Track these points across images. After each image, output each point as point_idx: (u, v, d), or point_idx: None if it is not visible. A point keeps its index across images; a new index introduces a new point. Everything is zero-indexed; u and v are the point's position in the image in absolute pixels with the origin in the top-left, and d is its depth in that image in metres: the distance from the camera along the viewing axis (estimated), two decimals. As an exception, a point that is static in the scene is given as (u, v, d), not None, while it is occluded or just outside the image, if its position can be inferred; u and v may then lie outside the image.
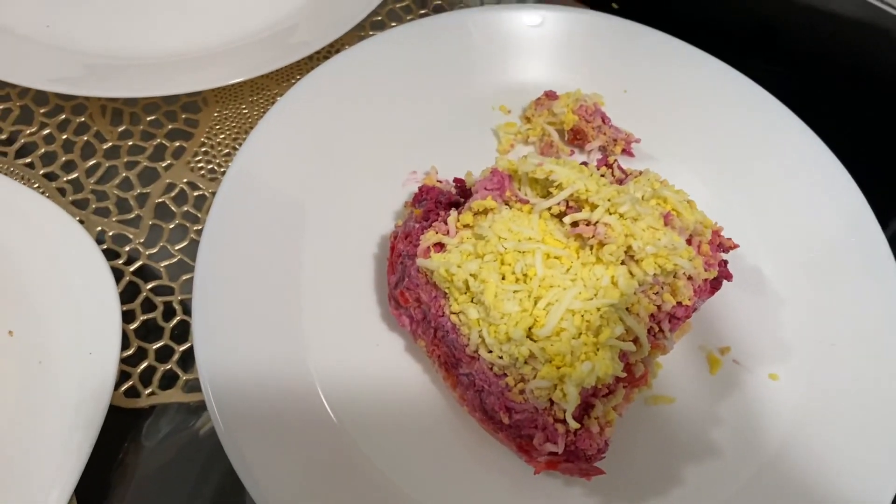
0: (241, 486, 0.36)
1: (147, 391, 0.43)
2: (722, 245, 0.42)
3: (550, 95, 0.51)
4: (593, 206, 0.38)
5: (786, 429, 0.41)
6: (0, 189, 0.44)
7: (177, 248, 0.48)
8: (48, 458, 0.37)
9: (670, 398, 0.42)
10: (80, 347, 0.40)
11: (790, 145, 0.51)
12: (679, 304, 0.39)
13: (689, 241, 0.40)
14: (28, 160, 0.51)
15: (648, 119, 0.52)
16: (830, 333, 0.44)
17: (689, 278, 0.39)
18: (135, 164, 0.52)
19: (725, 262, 0.41)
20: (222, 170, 0.51)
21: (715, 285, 0.41)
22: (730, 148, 0.51)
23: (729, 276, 0.41)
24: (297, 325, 0.42)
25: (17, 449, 0.38)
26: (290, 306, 0.42)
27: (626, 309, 0.36)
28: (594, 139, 0.50)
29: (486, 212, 0.39)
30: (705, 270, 0.39)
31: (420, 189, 0.43)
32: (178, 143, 0.53)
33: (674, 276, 0.38)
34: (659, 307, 0.38)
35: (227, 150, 0.52)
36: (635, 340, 0.37)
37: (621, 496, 0.39)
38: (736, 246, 0.43)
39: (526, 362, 0.35)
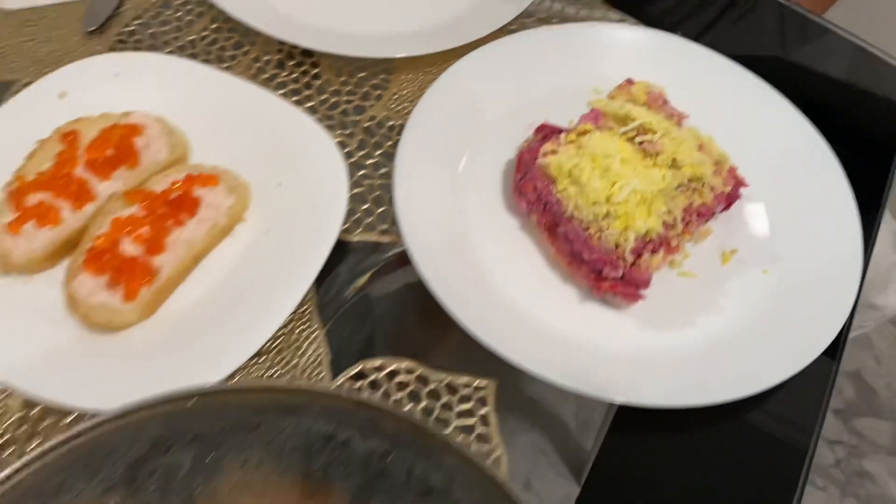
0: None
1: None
2: (736, 178, 0.62)
3: (630, 82, 0.72)
4: (654, 132, 0.58)
5: (767, 300, 0.61)
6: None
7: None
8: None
9: (694, 274, 0.62)
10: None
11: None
12: (703, 204, 0.59)
13: (715, 167, 0.60)
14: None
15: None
16: (798, 237, 0.64)
17: (712, 188, 0.59)
18: (337, 105, 0.74)
19: (739, 184, 0.62)
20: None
21: (730, 199, 0.62)
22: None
23: (744, 185, 0.61)
24: (458, 209, 0.63)
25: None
26: (454, 199, 0.64)
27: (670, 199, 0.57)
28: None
29: (585, 133, 0.60)
30: (723, 186, 0.60)
31: (540, 125, 0.64)
32: (377, 92, 0.74)
33: (702, 184, 0.59)
34: (690, 204, 0.59)
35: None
36: (674, 224, 0.58)
37: (649, 325, 0.59)
38: (747, 185, 0.63)
39: (603, 219, 0.56)
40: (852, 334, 0.63)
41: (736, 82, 0.72)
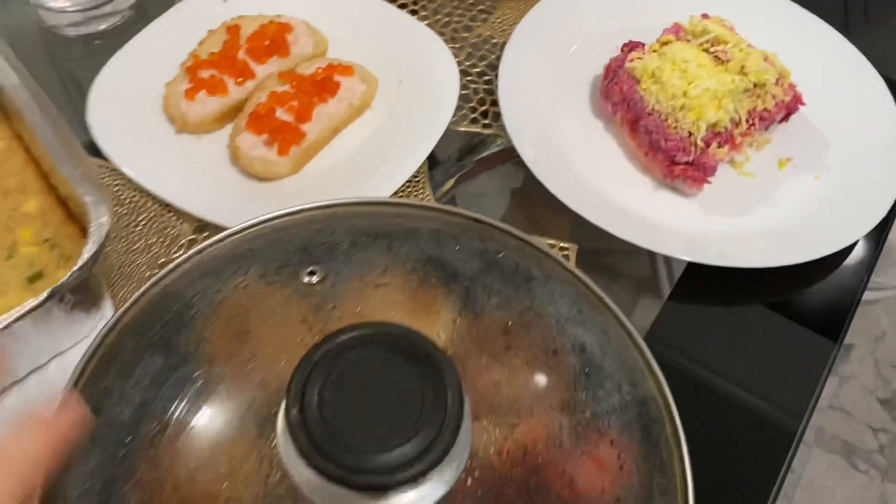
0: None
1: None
2: (794, 92, 0.71)
3: (705, 15, 0.81)
4: (726, 43, 0.68)
5: (818, 199, 0.69)
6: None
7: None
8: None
9: (753, 174, 0.71)
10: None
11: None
12: (765, 109, 0.68)
13: (777, 80, 0.69)
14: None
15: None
16: (847, 150, 0.72)
17: (773, 96, 0.68)
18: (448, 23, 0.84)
19: (797, 98, 0.70)
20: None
21: (788, 110, 0.70)
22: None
23: (801, 102, 0.70)
24: (552, 113, 0.73)
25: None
26: (549, 103, 0.74)
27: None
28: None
29: (666, 43, 0.70)
30: (783, 96, 0.69)
31: (627, 42, 0.74)
32: (484, 15, 0.84)
33: (764, 91, 0.68)
34: (754, 108, 0.68)
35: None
36: (738, 123, 0.67)
37: (712, 211, 0.68)
38: (804, 103, 0.72)
39: (680, 110, 0.65)
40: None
41: (799, 23, 0.80)
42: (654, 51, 0.69)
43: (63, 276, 0.46)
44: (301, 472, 0.38)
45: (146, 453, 0.43)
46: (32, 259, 0.52)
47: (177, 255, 0.63)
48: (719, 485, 0.54)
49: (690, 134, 0.65)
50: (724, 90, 0.65)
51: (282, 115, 0.66)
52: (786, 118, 0.71)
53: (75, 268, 0.46)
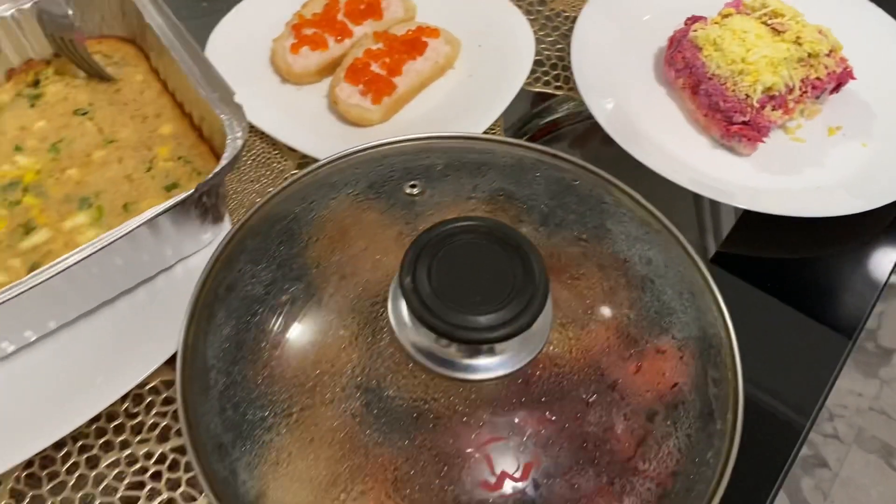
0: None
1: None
2: (846, 65, 0.76)
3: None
4: (783, 16, 0.73)
5: (865, 164, 0.74)
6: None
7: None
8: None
9: (803, 140, 0.76)
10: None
11: None
12: (818, 78, 0.73)
13: (829, 52, 0.74)
14: None
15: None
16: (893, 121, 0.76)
17: (825, 66, 0.73)
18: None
19: (847, 71, 0.75)
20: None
21: (840, 80, 0.75)
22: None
23: (852, 76, 0.75)
24: (619, 80, 0.79)
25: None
26: (617, 71, 0.80)
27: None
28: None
29: (727, 15, 0.75)
30: (835, 66, 0.74)
31: (690, 16, 0.80)
32: None
33: (817, 61, 0.73)
34: (807, 76, 0.73)
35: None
36: (792, 89, 0.72)
37: (764, 170, 0.73)
38: (855, 77, 0.77)
39: (738, 74, 0.71)
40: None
41: (852, 4, 0.85)
42: (716, 23, 0.75)
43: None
44: (407, 335, 0.45)
45: (272, 322, 0.50)
46: (168, 172, 0.59)
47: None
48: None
49: (747, 96, 0.70)
50: (780, 58, 0.70)
51: (376, 69, 0.73)
52: (836, 89, 0.76)
53: (215, 170, 0.52)
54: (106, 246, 0.50)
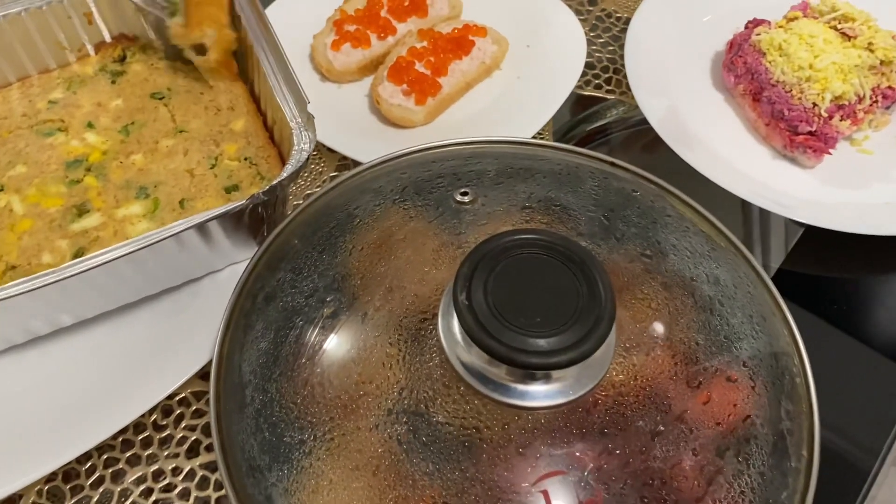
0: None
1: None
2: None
3: None
4: (854, 20, 0.69)
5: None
6: None
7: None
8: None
9: (871, 152, 0.71)
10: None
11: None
12: (890, 87, 0.69)
13: (903, 62, 0.70)
14: None
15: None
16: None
17: (900, 75, 0.69)
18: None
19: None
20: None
21: (914, 91, 0.71)
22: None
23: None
24: (674, 84, 0.75)
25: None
26: (672, 76, 0.76)
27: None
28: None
29: (793, 19, 0.71)
30: (910, 76, 0.69)
31: (752, 19, 0.76)
32: None
33: (891, 70, 0.68)
34: (878, 85, 0.68)
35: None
36: (862, 98, 0.68)
37: (829, 183, 0.68)
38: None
39: (805, 81, 0.66)
40: None
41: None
42: (781, 26, 0.71)
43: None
44: (458, 354, 0.42)
45: (312, 336, 0.47)
46: (232, 172, 0.57)
47: (318, 188, 0.68)
48: None
49: (815, 105, 0.66)
50: (850, 65, 0.66)
51: (420, 68, 0.70)
52: (910, 99, 0.72)
53: (274, 181, 0.50)
54: (152, 244, 0.47)
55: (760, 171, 0.69)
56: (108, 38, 0.65)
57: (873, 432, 0.59)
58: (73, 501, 0.52)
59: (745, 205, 0.64)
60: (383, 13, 0.73)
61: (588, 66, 0.77)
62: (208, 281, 0.56)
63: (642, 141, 0.78)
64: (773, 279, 0.66)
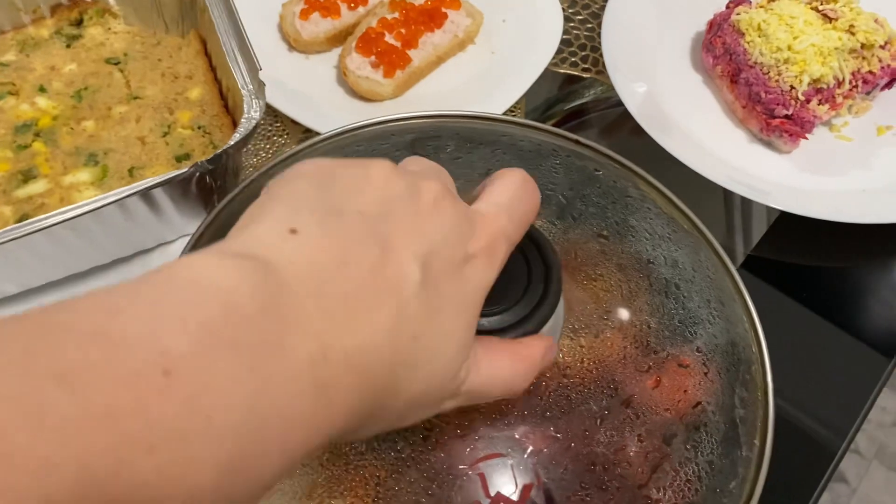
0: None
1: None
2: (904, 59, 0.70)
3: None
4: (836, 1, 0.67)
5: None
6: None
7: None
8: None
9: (850, 139, 0.70)
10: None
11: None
12: (870, 72, 0.67)
13: (885, 44, 0.68)
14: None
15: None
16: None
17: (880, 59, 0.67)
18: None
19: (904, 63, 0.69)
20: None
21: (894, 75, 0.69)
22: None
23: (906, 72, 0.69)
24: (652, 63, 0.74)
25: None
26: (650, 55, 0.74)
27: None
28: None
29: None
30: (890, 60, 0.68)
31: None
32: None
33: (871, 53, 0.67)
34: (859, 69, 0.67)
35: None
36: (841, 83, 0.67)
37: (805, 170, 0.67)
38: (912, 70, 0.71)
39: (783, 63, 0.65)
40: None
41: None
42: (761, 6, 0.69)
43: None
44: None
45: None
46: (184, 140, 0.56)
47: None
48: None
49: (792, 88, 0.64)
50: (830, 47, 0.65)
51: (390, 39, 0.68)
52: (889, 84, 0.70)
53: (219, 150, 0.48)
54: (94, 210, 0.46)
55: (737, 155, 0.67)
56: (64, 1, 0.63)
57: (841, 414, 0.58)
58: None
59: (726, 190, 0.63)
60: (355, -19, 0.72)
61: (565, 42, 0.76)
62: (159, 253, 0.54)
63: (619, 122, 0.76)
64: (744, 264, 0.65)
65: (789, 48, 0.64)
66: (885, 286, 0.64)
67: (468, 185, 0.50)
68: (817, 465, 0.57)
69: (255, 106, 0.51)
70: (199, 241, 0.48)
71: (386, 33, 0.68)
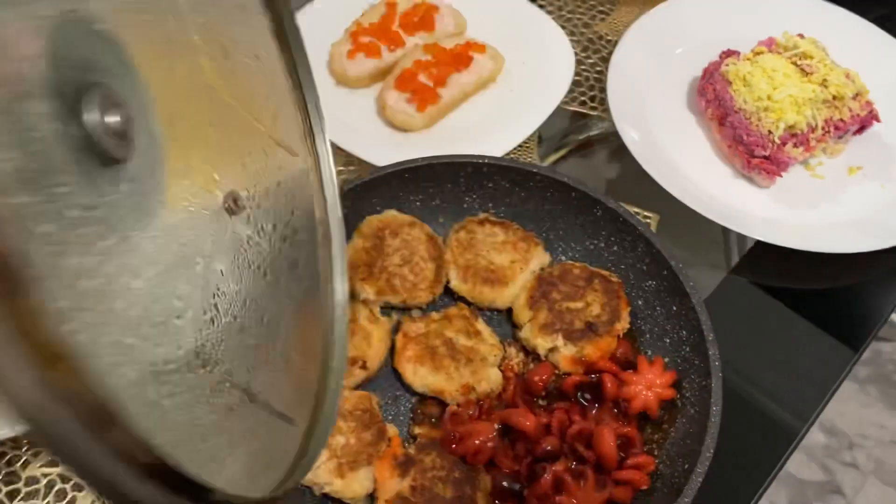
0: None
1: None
2: (871, 109, 0.79)
3: (801, 35, 0.90)
4: (811, 58, 0.77)
5: (881, 204, 0.78)
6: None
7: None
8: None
9: (823, 177, 0.79)
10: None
11: None
12: (841, 119, 0.77)
13: (855, 96, 0.78)
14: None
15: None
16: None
17: (850, 109, 0.77)
18: (570, 19, 0.96)
19: (872, 114, 0.79)
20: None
21: (863, 123, 0.79)
22: None
23: (876, 118, 0.78)
24: (651, 102, 0.84)
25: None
26: (649, 96, 0.84)
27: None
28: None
29: (759, 53, 0.79)
30: (859, 110, 0.77)
31: (725, 50, 0.84)
32: (602, 15, 0.97)
33: (842, 104, 0.76)
34: (831, 117, 0.77)
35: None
36: (815, 129, 0.76)
37: (781, 202, 0.77)
38: (880, 120, 0.80)
39: (763, 111, 0.75)
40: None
41: (887, 50, 0.88)
42: (748, 59, 0.79)
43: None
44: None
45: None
46: None
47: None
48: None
49: (770, 132, 0.74)
50: (805, 98, 0.74)
51: (423, 79, 0.79)
52: (860, 131, 0.80)
53: None
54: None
55: (722, 189, 0.77)
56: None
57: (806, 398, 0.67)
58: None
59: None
60: (395, 27, 0.83)
61: (576, 83, 0.86)
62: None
63: (620, 155, 0.86)
64: (736, 269, 0.75)
65: (769, 98, 0.74)
66: (842, 306, 0.74)
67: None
68: (779, 447, 0.65)
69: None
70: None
71: (420, 73, 0.79)
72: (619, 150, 0.87)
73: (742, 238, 0.77)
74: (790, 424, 0.66)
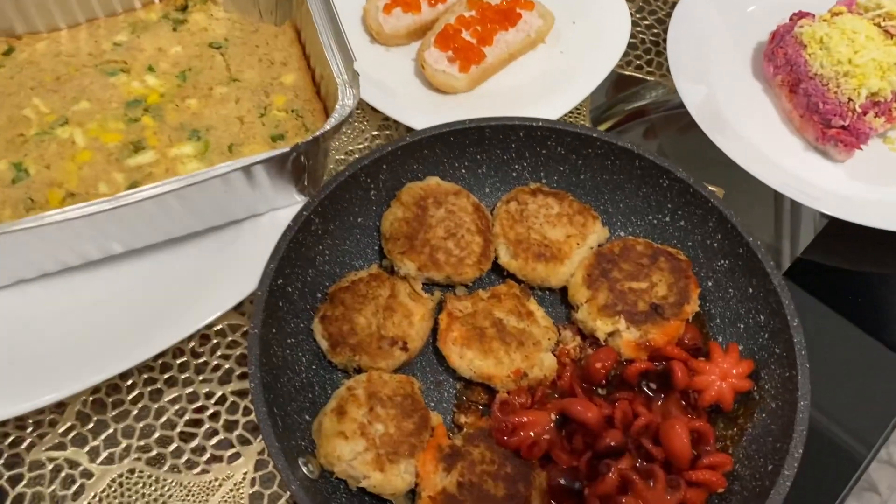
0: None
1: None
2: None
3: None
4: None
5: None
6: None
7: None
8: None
9: (902, 151, 0.73)
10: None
11: None
12: (929, 85, 0.70)
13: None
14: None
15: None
16: None
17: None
18: None
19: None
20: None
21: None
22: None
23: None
24: (715, 69, 0.77)
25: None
26: (711, 61, 0.78)
27: (901, 74, 0.69)
28: None
29: (838, 14, 0.72)
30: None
31: (797, 11, 0.77)
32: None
33: (931, 70, 0.70)
34: (918, 81, 0.70)
35: None
36: (898, 97, 0.69)
37: (857, 178, 0.70)
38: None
39: (843, 76, 0.68)
40: None
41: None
42: (825, 20, 0.72)
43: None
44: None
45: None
46: (279, 122, 0.61)
47: (360, 145, 0.71)
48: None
49: (850, 100, 0.67)
50: (890, 62, 0.67)
51: (466, 36, 0.72)
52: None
53: (316, 133, 0.53)
54: (199, 182, 0.51)
55: (791, 162, 0.71)
56: (173, -14, 0.68)
57: (871, 423, 0.61)
58: (114, 413, 0.56)
59: (777, 196, 0.66)
60: (435, -20, 0.76)
61: (631, 46, 0.79)
62: (249, 224, 0.59)
63: (678, 124, 0.80)
64: (790, 269, 0.68)
65: (850, 62, 0.67)
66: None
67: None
68: (843, 473, 0.59)
69: (348, 94, 0.55)
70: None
71: (463, 30, 0.72)
72: (675, 119, 0.80)
73: (812, 217, 0.70)
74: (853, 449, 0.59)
